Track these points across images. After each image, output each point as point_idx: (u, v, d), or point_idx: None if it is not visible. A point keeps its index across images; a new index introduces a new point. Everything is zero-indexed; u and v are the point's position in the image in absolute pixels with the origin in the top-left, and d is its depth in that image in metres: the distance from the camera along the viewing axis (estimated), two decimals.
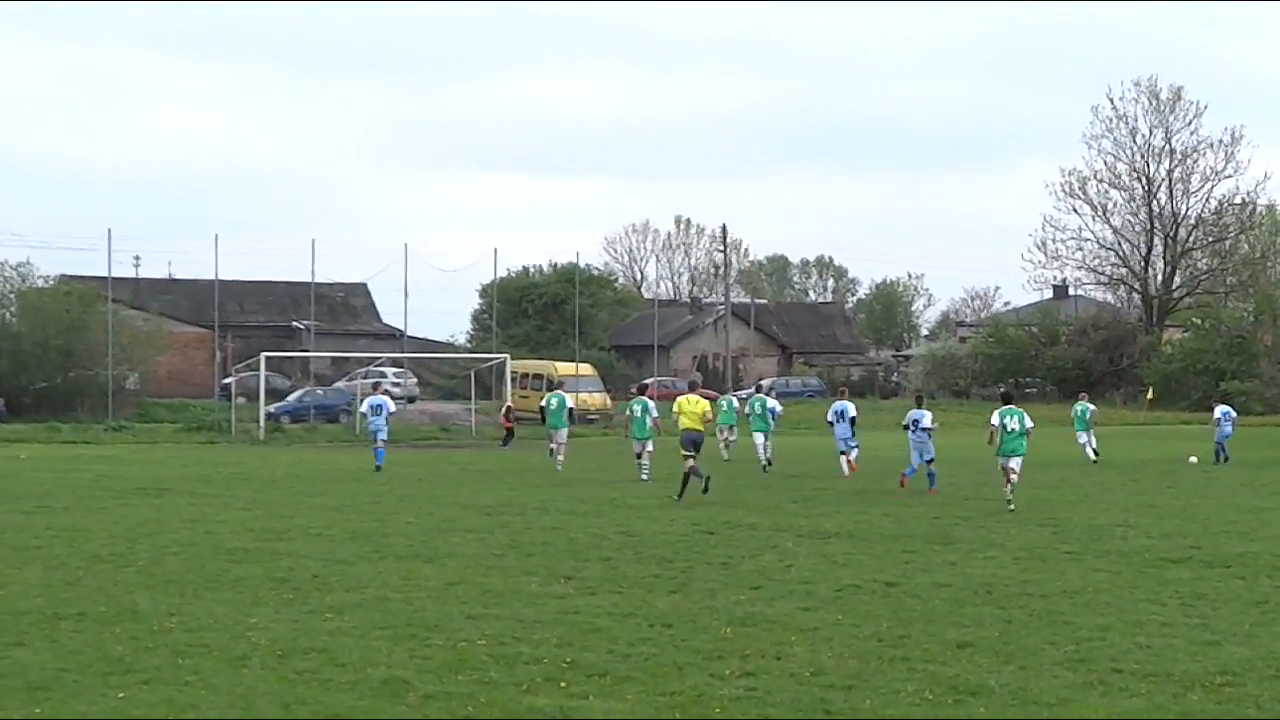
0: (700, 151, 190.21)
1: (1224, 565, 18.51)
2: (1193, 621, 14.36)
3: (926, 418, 31.07)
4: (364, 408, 40.48)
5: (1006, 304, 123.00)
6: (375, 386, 45.26)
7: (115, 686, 11.41)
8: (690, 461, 28.65)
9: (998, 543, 20.90)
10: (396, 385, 75.21)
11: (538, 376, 69.45)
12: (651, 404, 34.09)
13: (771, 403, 40.13)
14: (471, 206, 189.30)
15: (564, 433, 38.25)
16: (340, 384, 74.96)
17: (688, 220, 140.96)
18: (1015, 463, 27.17)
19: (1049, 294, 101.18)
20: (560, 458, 37.27)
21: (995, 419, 27.84)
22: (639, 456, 33.50)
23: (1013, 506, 26.04)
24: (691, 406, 29.78)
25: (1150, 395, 68.05)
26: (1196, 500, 28.31)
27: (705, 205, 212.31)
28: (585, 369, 71.83)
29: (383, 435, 37.79)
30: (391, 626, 13.91)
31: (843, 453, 35.55)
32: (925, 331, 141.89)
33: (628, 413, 34.84)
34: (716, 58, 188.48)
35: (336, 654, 12.61)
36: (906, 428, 31.52)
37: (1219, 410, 42.91)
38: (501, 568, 18.17)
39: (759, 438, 38.17)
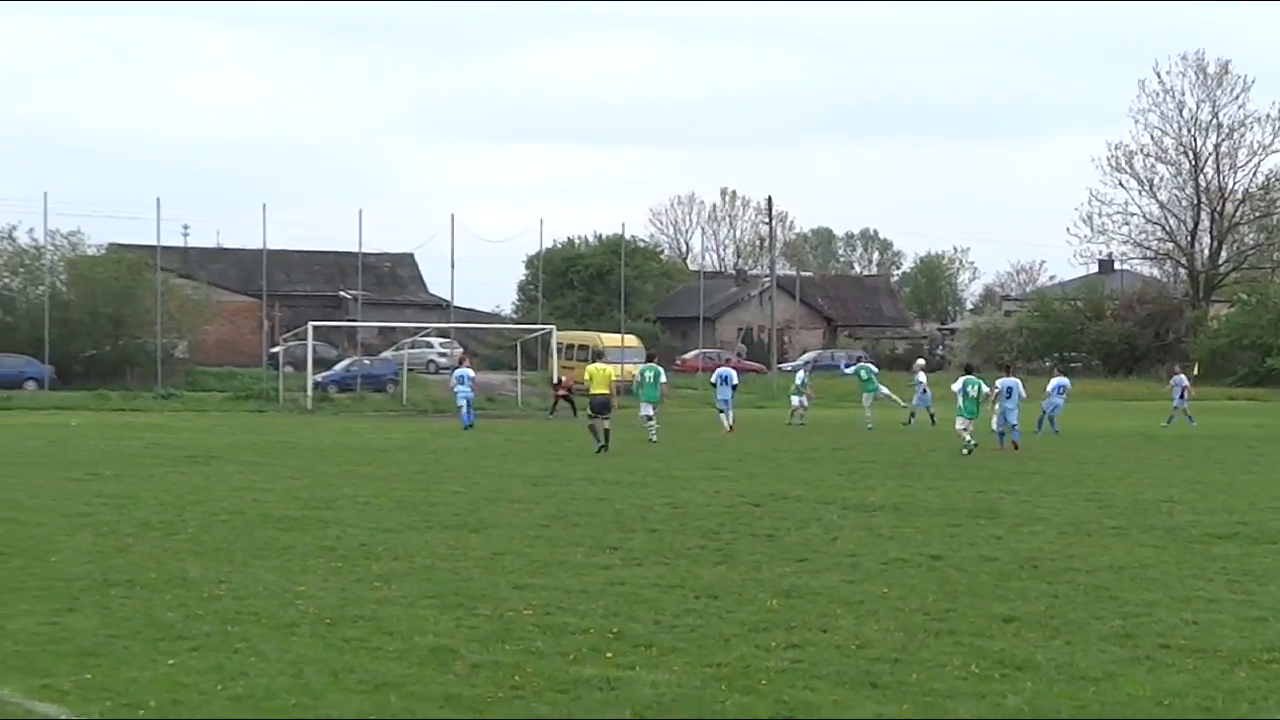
0: (746, 124, 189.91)
1: (1270, 541, 18.38)
2: (1239, 598, 14.28)
3: (1020, 386, 35.27)
4: (452, 379, 47.32)
5: (1052, 278, 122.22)
6: (461, 360, 49.16)
7: (165, 653, 11.46)
8: (600, 421, 33.04)
9: (1043, 517, 20.84)
10: (443, 355, 75.65)
11: (583, 347, 69.54)
12: (661, 370, 38.64)
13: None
14: (518, 178, 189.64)
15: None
16: (387, 354, 75.23)
17: (733, 192, 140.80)
18: (965, 423, 33.00)
19: (1095, 268, 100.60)
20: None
21: (957, 386, 34.06)
22: (648, 419, 36.71)
23: (967, 452, 32.09)
24: (601, 374, 34.94)
25: (1195, 370, 67.68)
26: (1243, 476, 28.14)
27: (751, 178, 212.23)
28: (630, 340, 71.85)
29: (468, 399, 44.44)
30: (438, 595, 13.94)
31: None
32: (970, 305, 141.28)
33: (638, 377, 38.41)
34: (762, 30, 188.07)
35: (384, 622, 12.66)
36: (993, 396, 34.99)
37: (1054, 381, 43.17)
38: (547, 538, 18.23)
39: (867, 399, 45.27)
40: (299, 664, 11.11)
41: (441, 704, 9.96)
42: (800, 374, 49.31)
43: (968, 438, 32.63)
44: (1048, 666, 11.17)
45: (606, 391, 34.16)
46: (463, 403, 44.12)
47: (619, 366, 57.07)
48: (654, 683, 10.58)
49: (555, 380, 56.10)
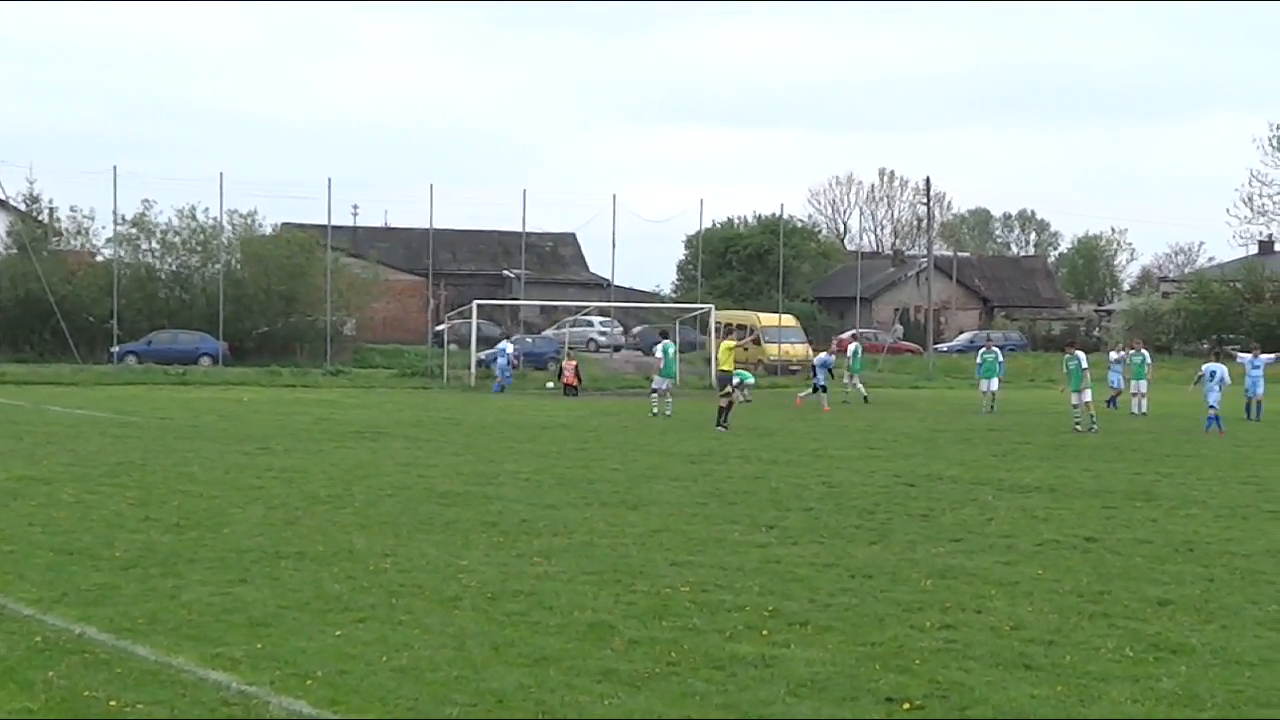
0: (905, 105, 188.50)
1: None
2: None
3: (1224, 371, 36.08)
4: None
5: (1210, 259, 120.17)
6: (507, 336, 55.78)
7: (332, 624, 11.65)
8: (727, 398, 34.18)
9: (1199, 500, 20.62)
10: (603, 334, 76.17)
11: (741, 326, 69.66)
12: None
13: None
14: (676, 158, 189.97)
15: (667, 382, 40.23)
16: (548, 332, 75.93)
17: (891, 173, 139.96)
18: (1076, 397, 34.89)
19: (1255, 250, 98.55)
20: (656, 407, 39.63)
21: (1073, 363, 35.26)
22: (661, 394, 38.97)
23: (1080, 428, 34.06)
24: (726, 352, 36.68)
25: None
26: None
27: (909, 158, 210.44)
28: (788, 320, 71.87)
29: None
30: (598, 571, 14.10)
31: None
32: (1127, 286, 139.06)
33: (659, 354, 40.49)
34: (921, 12, 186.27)
35: (544, 597, 12.81)
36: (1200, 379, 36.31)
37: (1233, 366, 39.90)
38: (704, 516, 18.37)
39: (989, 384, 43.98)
40: (461, 637, 11.27)
41: (599, 679, 10.08)
42: (840, 356, 50.83)
43: (1081, 411, 34.62)
44: (1203, 651, 11.11)
45: (729, 367, 35.91)
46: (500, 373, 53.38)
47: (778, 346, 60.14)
48: (808, 660, 10.64)
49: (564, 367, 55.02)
